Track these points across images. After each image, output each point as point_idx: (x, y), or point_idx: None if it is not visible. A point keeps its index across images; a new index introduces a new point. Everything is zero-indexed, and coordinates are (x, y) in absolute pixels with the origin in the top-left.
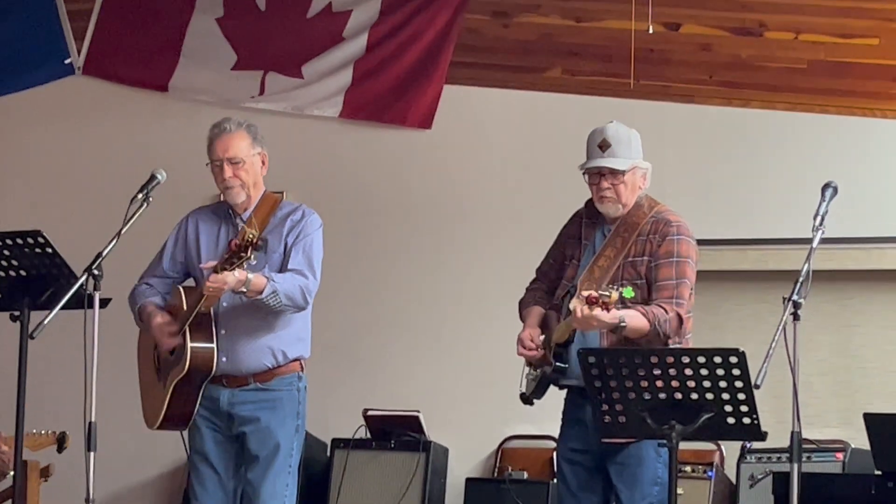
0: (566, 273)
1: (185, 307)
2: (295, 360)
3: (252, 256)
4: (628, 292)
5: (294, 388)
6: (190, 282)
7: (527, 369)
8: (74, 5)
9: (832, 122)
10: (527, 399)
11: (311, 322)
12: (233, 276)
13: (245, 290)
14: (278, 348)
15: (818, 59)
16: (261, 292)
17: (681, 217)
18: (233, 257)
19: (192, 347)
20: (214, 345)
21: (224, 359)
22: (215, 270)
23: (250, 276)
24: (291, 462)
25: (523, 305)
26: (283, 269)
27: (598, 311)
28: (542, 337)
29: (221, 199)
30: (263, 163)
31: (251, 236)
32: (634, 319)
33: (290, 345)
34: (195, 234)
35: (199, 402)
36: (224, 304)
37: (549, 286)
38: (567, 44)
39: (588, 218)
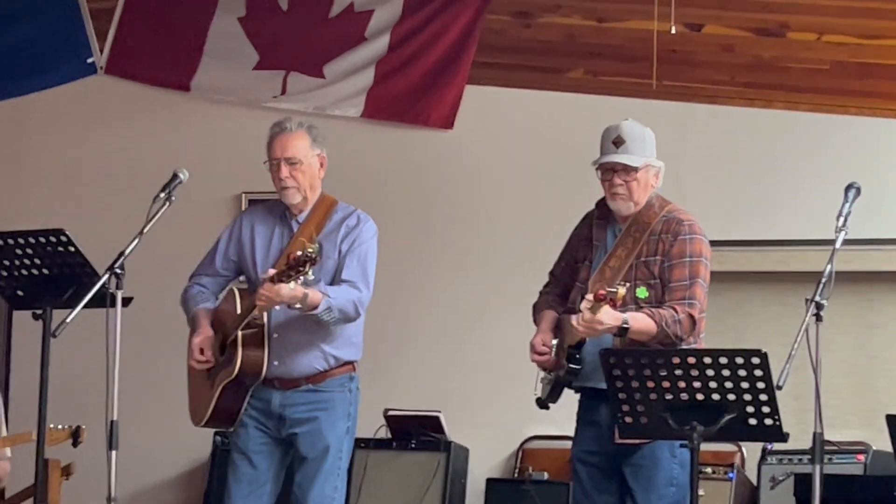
0: (579, 275)
1: (238, 311)
2: (347, 363)
3: (310, 272)
4: (642, 292)
5: (346, 389)
6: (244, 279)
7: (541, 373)
8: (97, 4)
9: (855, 123)
10: (542, 403)
11: None
12: (288, 290)
13: (300, 306)
14: (330, 353)
15: (841, 60)
16: (315, 307)
17: (692, 216)
18: (290, 270)
19: (242, 353)
20: (266, 351)
21: (276, 363)
22: (272, 280)
23: (307, 291)
24: (341, 465)
25: (536, 310)
26: (336, 276)
27: (604, 310)
28: (555, 341)
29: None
30: (322, 165)
31: (311, 252)
32: (639, 321)
33: (341, 349)
34: (250, 233)
35: (246, 403)
36: (277, 308)
37: (563, 289)
38: (589, 44)
39: (599, 219)
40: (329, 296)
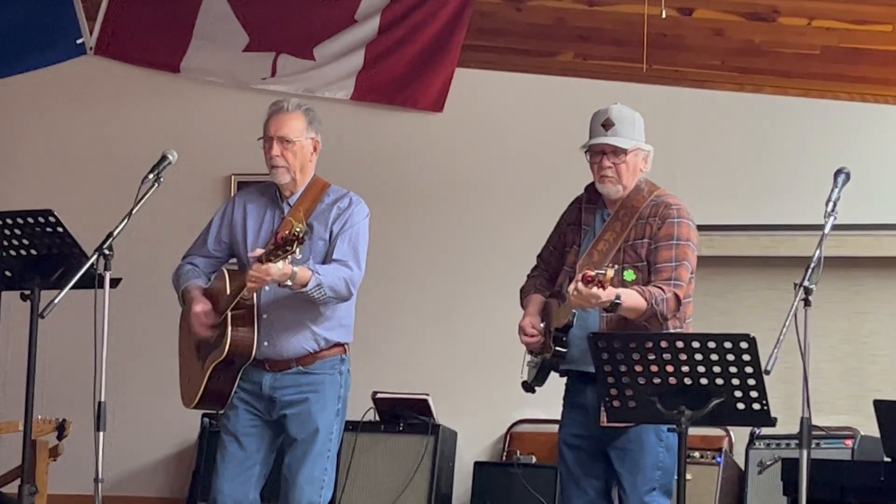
0: (567, 259)
1: (228, 292)
2: (337, 344)
3: (298, 251)
4: (629, 275)
5: (336, 372)
6: (235, 261)
7: (528, 357)
8: None
9: (845, 108)
10: (528, 387)
11: None
12: (277, 269)
13: (290, 283)
14: (321, 334)
15: (831, 46)
16: (305, 285)
17: (680, 200)
18: (278, 249)
19: (232, 333)
20: (255, 331)
21: (266, 343)
22: (260, 260)
23: (295, 269)
24: (330, 447)
25: (524, 293)
26: (327, 257)
27: (594, 290)
28: (543, 324)
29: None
30: (315, 149)
31: (298, 231)
32: (630, 297)
33: (332, 330)
34: (242, 215)
35: (237, 384)
36: (267, 288)
37: (550, 273)
38: (580, 28)
39: (587, 203)
40: (318, 273)
